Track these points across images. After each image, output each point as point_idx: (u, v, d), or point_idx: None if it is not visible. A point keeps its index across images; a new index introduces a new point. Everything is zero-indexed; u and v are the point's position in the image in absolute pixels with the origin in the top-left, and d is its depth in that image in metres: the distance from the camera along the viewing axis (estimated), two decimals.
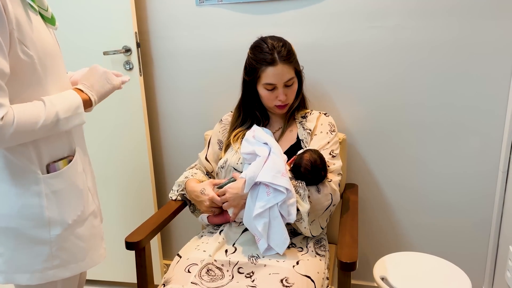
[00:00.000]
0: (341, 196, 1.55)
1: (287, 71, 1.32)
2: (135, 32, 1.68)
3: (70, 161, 1.03)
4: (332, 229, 1.55)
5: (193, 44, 1.73)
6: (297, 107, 1.45)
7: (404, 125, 1.60)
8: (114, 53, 1.69)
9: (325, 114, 1.46)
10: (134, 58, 1.70)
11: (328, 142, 1.36)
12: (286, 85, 1.34)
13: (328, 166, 1.29)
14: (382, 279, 1.35)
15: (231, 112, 1.54)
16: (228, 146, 1.45)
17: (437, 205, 1.65)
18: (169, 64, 1.79)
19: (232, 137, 1.44)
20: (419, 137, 1.60)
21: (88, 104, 1.04)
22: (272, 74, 1.31)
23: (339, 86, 1.63)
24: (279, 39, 1.36)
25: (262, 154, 1.26)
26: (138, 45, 1.70)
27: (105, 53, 1.68)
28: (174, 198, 1.48)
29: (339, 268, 1.10)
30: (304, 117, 1.44)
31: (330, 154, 1.34)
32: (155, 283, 1.37)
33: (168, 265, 1.99)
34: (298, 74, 1.39)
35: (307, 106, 1.51)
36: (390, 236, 1.74)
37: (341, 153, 1.52)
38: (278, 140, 1.40)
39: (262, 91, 1.36)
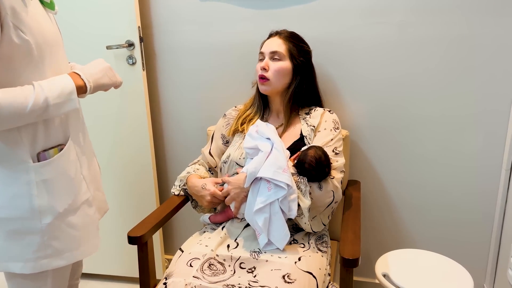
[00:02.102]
0: (344, 193, 1.55)
1: (278, 43, 1.37)
2: (138, 27, 1.67)
3: (62, 149, 1.02)
4: (335, 226, 1.55)
5: (196, 39, 1.72)
6: (301, 105, 1.45)
7: (407, 121, 1.60)
8: (117, 48, 1.68)
9: (329, 111, 1.44)
10: (137, 52, 1.70)
11: (332, 139, 1.35)
12: (273, 59, 1.37)
13: (331, 163, 1.28)
14: (384, 276, 1.35)
15: (235, 107, 1.55)
16: (235, 131, 1.47)
17: (439, 202, 1.65)
18: (172, 59, 1.78)
19: (239, 119, 1.47)
20: (422, 134, 1.60)
21: (82, 90, 1.01)
22: (265, 44, 1.41)
23: (343, 82, 1.62)
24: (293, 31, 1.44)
25: (265, 150, 1.25)
26: (141, 39, 1.69)
27: (108, 47, 1.68)
28: (176, 193, 1.48)
29: (341, 265, 1.10)
30: (308, 113, 1.44)
31: (333, 151, 1.34)
32: (157, 277, 1.37)
33: (169, 260, 2.00)
34: (294, 59, 1.38)
35: (323, 104, 1.50)
36: (392, 233, 1.74)
37: (344, 149, 1.51)
38: (281, 136, 1.40)
39: (258, 62, 1.41)
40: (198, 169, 1.48)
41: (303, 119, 1.43)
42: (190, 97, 1.81)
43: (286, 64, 1.37)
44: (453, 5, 1.45)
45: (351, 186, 1.61)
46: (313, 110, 1.44)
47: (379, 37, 1.54)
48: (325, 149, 1.29)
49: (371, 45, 1.55)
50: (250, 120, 1.45)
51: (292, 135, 1.41)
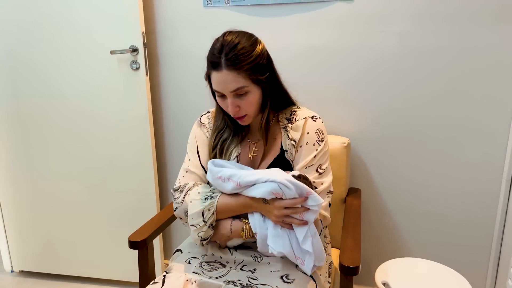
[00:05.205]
0: (344, 201, 1.55)
1: (232, 79, 1.08)
2: (143, 32, 1.68)
3: None
4: (335, 233, 1.55)
5: (199, 45, 1.74)
6: (277, 109, 1.25)
7: (408, 130, 1.61)
8: (121, 52, 1.69)
9: (312, 117, 1.22)
10: (140, 57, 1.71)
11: (315, 156, 1.18)
12: (237, 95, 1.11)
13: (316, 188, 1.15)
14: (384, 284, 1.35)
15: (209, 112, 1.33)
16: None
17: (440, 211, 1.65)
18: (175, 65, 1.80)
19: (212, 143, 1.26)
20: (423, 143, 1.60)
21: None
22: (216, 81, 1.11)
23: (344, 90, 1.63)
24: (234, 38, 1.10)
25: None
26: (145, 45, 1.71)
27: (112, 52, 1.69)
28: (202, 234, 1.14)
29: (341, 272, 1.10)
30: (289, 119, 1.23)
31: (317, 171, 1.18)
32: None
33: (168, 265, 2.00)
34: (259, 81, 1.12)
35: (294, 102, 1.27)
36: (392, 241, 1.74)
37: (344, 157, 1.52)
38: (262, 153, 1.23)
39: (217, 97, 1.17)
40: (214, 191, 1.18)
41: (284, 127, 1.22)
42: (192, 102, 1.82)
43: (254, 92, 1.13)
44: (455, 14, 1.46)
45: (351, 194, 1.61)
46: (294, 115, 1.23)
47: (380, 46, 1.55)
48: (308, 169, 1.17)
49: (372, 53, 1.56)
50: (228, 148, 1.24)
51: (272, 151, 1.23)
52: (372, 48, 1.56)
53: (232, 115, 1.15)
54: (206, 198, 1.14)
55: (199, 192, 1.16)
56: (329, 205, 1.19)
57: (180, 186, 1.21)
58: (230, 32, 1.13)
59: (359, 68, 1.59)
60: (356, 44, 1.57)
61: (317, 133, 1.21)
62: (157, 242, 1.91)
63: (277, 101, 1.23)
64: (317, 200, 1.06)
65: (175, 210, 1.19)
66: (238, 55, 1.08)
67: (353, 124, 1.65)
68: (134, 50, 1.70)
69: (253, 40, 1.12)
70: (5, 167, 1.99)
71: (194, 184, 1.20)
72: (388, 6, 1.51)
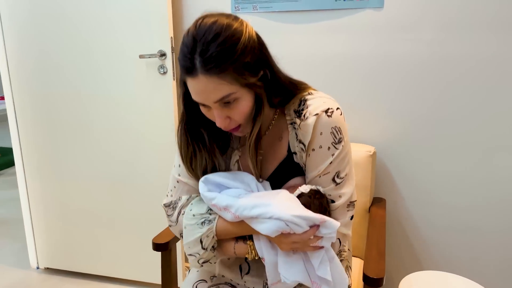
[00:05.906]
0: (369, 210, 1.53)
1: (214, 86, 0.81)
2: (171, 37, 1.71)
3: None
4: (358, 243, 1.53)
5: None
6: (281, 104, 0.97)
7: (436, 140, 1.57)
8: (149, 57, 1.73)
9: (326, 112, 0.92)
10: (168, 62, 1.74)
11: (331, 163, 0.93)
12: (224, 104, 0.85)
13: (334, 202, 0.95)
14: None
15: None
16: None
17: (468, 224, 1.61)
18: None
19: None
20: (450, 153, 1.57)
21: None
22: (193, 90, 0.84)
23: (370, 98, 1.61)
24: (211, 27, 0.80)
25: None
26: (173, 49, 1.73)
27: (141, 56, 1.73)
28: (206, 259, 0.98)
29: (364, 283, 1.08)
30: (299, 113, 0.94)
31: (334, 180, 0.94)
32: (178, 284, 1.38)
33: (189, 268, 2.01)
34: (251, 85, 0.85)
35: (304, 87, 0.98)
36: (417, 253, 1.70)
37: (369, 166, 1.50)
38: (262, 157, 0.99)
39: (200, 107, 0.90)
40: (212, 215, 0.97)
41: (291, 123, 0.96)
42: None
43: (246, 98, 0.86)
44: (485, 23, 1.43)
45: (375, 203, 1.59)
46: (304, 106, 0.94)
47: (409, 54, 1.53)
48: (323, 178, 0.94)
49: (401, 61, 1.55)
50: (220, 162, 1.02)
51: (277, 153, 1.00)
52: (401, 56, 1.54)
53: (222, 129, 0.90)
54: (203, 223, 0.95)
55: (193, 215, 0.97)
56: (351, 217, 0.98)
57: (171, 202, 1.04)
58: (205, 18, 0.83)
59: (387, 76, 1.57)
60: (385, 51, 1.56)
61: (333, 133, 0.93)
62: (180, 245, 1.92)
63: (279, 98, 0.97)
64: (332, 226, 0.90)
65: (170, 227, 1.05)
66: (218, 52, 0.78)
67: (379, 133, 1.63)
68: (162, 54, 1.73)
69: (237, 26, 0.82)
70: (35, 168, 2.06)
71: (187, 199, 1.02)
72: (418, 14, 1.49)
